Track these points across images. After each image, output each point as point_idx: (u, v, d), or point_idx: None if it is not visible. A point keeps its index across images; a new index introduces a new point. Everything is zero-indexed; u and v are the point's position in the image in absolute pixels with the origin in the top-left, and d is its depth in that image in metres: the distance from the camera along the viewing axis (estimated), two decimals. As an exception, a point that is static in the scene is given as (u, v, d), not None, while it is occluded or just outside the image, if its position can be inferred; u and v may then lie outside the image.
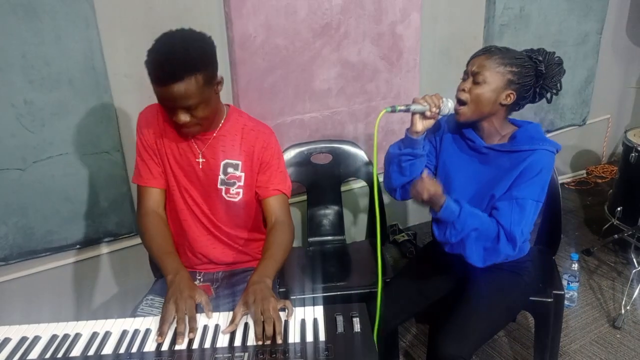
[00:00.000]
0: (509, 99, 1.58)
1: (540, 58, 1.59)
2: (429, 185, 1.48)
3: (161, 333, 1.25)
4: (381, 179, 1.81)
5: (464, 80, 1.61)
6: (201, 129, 1.49)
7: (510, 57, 1.56)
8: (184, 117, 1.41)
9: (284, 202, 1.65)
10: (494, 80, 1.55)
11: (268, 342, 1.21)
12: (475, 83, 1.56)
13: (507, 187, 1.57)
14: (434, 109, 1.55)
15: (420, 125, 1.58)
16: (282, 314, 1.30)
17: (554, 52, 1.62)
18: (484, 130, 1.65)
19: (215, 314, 1.35)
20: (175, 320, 1.29)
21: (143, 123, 1.61)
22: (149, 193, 1.63)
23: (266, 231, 1.63)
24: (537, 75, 1.60)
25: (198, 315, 1.33)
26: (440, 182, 1.64)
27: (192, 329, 1.27)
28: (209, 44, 1.43)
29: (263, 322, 1.24)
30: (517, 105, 1.62)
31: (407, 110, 1.55)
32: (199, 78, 1.35)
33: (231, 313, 1.34)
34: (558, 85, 1.62)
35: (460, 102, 1.59)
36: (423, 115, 1.57)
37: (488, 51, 1.58)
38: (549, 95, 1.64)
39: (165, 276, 1.45)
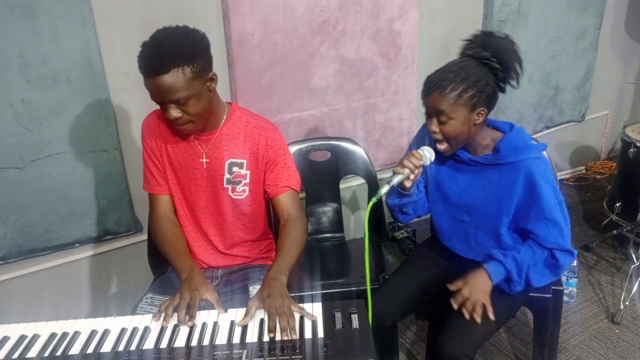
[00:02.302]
0: (480, 116, 1.52)
1: (488, 54, 1.47)
2: (466, 292, 1.49)
3: (159, 311, 1.32)
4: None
5: (429, 117, 1.54)
6: (196, 127, 1.46)
7: (461, 81, 1.45)
8: (175, 113, 1.39)
9: (294, 198, 1.65)
10: (458, 114, 1.47)
11: (283, 336, 1.22)
12: (441, 123, 1.50)
13: (499, 199, 1.57)
14: (416, 171, 1.53)
15: (409, 183, 1.57)
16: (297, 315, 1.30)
17: (492, 33, 1.50)
18: (467, 146, 1.61)
19: (214, 312, 1.36)
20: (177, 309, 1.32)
21: (145, 131, 1.62)
22: (159, 199, 1.65)
23: (280, 228, 1.62)
24: (495, 74, 1.49)
25: (206, 312, 1.35)
26: (438, 199, 1.68)
27: (191, 317, 1.29)
28: (201, 39, 1.42)
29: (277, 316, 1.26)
30: (490, 111, 1.56)
31: (392, 187, 1.51)
32: (187, 70, 1.34)
33: (230, 310, 1.36)
34: (518, 70, 1.50)
35: (438, 141, 1.55)
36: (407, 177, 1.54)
37: (437, 86, 1.46)
38: (514, 82, 1.53)
39: (180, 275, 1.49)
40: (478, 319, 1.45)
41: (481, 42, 1.50)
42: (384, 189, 1.49)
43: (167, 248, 1.59)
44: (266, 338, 1.22)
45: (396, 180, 1.51)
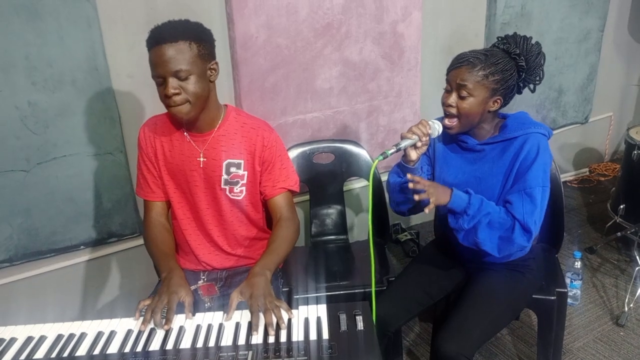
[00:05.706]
0: (496, 105, 1.57)
1: (518, 51, 1.55)
2: (425, 184, 1.50)
3: (137, 309, 1.34)
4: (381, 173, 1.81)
5: (447, 92, 1.58)
6: (191, 111, 1.46)
7: (491, 64, 1.52)
8: (173, 88, 1.40)
9: (288, 199, 1.68)
10: (479, 93, 1.53)
11: (270, 332, 1.24)
12: (461, 97, 1.54)
13: (505, 173, 1.58)
14: (424, 139, 1.55)
15: (415, 154, 1.58)
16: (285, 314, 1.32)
17: (530, 38, 1.57)
18: (475, 132, 1.64)
19: (219, 313, 1.36)
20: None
21: (141, 136, 1.64)
22: (152, 205, 1.68)
23: (272, 226, 1.65)
24: (518, 71, 1.57)
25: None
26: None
27: (168, 320, 1.30)
28: (209, 32, 1.51)
29: (261, 313, 1.28)
30: (504, 105, 1.61)
31: (399, 150, 1.53)
32: (193, 46, 1.41)
33: (237, 312, 1.36)
34: (540, 74, 1.60)
35: (449, 116, 1.58)
36: (414, 145, 1.56)
37: (468, 62, 1.53)
38: (532, 85, 1.62)
39: (160, 274, 1.51)
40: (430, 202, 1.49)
41: (514, 40, 1.57)
42: (391, 150, 1.51)
43: (153, 250, 1.62)
44: (271, 340, 1.22)
45: (404, 144, 1.53)
